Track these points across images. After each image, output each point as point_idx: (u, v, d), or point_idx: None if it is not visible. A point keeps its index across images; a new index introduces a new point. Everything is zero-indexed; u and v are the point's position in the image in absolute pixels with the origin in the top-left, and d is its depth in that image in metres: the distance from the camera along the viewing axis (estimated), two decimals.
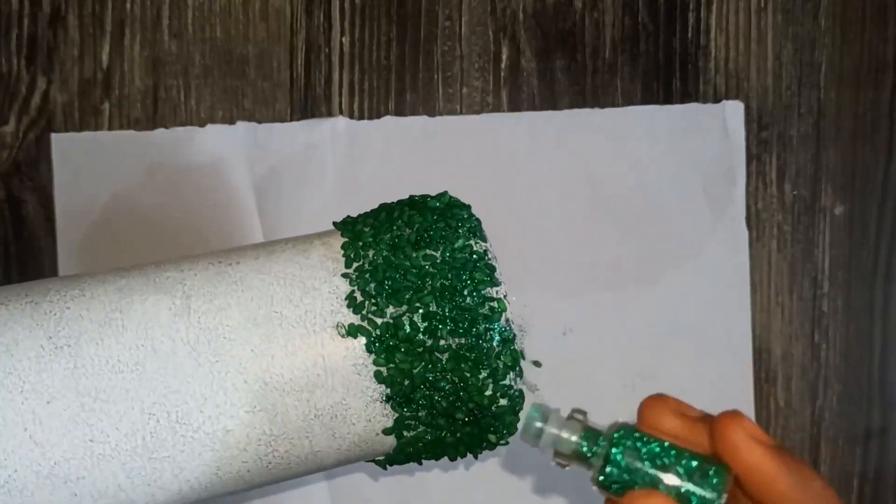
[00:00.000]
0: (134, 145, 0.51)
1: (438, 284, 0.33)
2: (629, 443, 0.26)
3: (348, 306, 0.33)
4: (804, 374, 0.53)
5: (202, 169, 0.51)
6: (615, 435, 0.27)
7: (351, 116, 0.52)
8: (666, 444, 0.26)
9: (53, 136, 0.50)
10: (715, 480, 0.25)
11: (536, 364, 0.50)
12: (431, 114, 0.52)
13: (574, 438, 0.27)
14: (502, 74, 0.53)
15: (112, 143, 0.51)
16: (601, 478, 0.27)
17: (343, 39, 0.52)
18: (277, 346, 0.32)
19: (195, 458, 0.32)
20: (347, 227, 0.36)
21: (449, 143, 0.52)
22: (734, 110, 0.53)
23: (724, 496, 0.25)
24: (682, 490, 0.25)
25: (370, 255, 0.34)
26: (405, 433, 0.34)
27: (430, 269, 0.33)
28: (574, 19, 0.53)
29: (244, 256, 0.35)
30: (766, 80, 0.53)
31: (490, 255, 0.35)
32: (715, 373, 0.53)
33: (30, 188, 0.50)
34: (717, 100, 0.53)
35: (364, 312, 0.33)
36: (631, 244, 0.52)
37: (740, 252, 0.53)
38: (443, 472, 0.51)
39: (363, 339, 0.33)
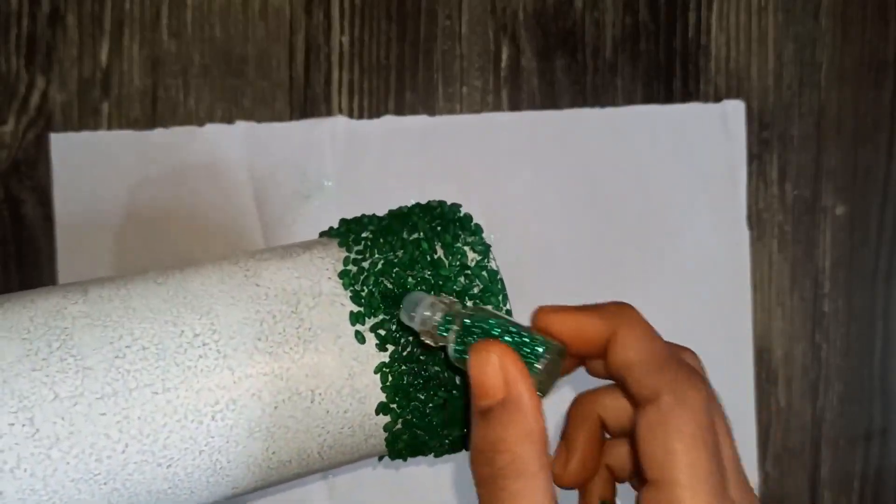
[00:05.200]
0: (133, 145, 0.51)
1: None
2: (477, 321, 0.30)
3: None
4: (805, 375, 0.53)
5: (201, 168, 0.51)
6: (468, 315, 0.31)
7: (350, 116, 0.52)
8: (505, 322, 0.30)
9: (52, 135, 0.50)
10: (541, 344, 0.30)
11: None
12: (431, 113, 0.52)
13: (437, 317, 0.31)
14: (502, 74, 0.52)
15: (111, 143, 0.51)
16: (454, 353, 0.31)
17: (342, 39, 0.52)
18: None
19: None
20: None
21: (449, 142, 0.52)
22: (735, 110, 0.53)
23: (546, 357, 0.30)
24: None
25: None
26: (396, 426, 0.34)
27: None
28: (574, 19, 0.53)
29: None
30: (766, 79, 0.53)
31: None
32: (715, 373, 0.53)
33: (29, 188, 0.50)
34: (717, 99, 0.53)
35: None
36: (631, 244, 0.52)
37: (741, 252, 0.53)
38: (442, 472, 0.51)
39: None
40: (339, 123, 0.51)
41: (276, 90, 0.52)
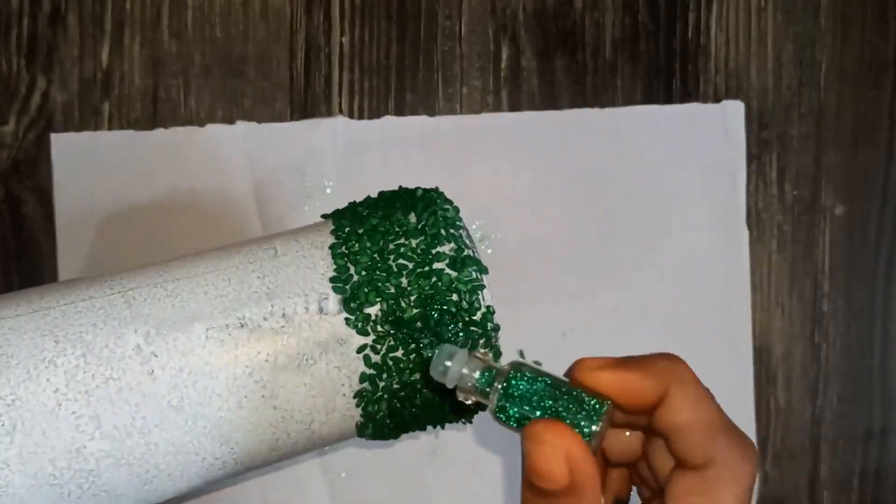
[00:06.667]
0: (134, 145, 0.51)
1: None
2: (521, 380, 0.30)
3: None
4: (804, 374, 0.53)
5: (202, 169, 0.51)
6: (510, 373, 0.30)
7: (351, 116, 0.52)
8: (549, 380, 0.29)
9: (53, 135, 0.50)
10: (591, 408, 0.29)
11: (536, 364, 0.50)
12: (431, 114, 0.52)
13: (475, 375, 0.30)
14: (502, 74, 0.53)
15: (112, 143, 0.51)
16: (497, 412, 0.30)
17: (343, 39, 0.52)
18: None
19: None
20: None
21: (449, 143, 0.52)
22: (734, 110, 0.53)
23: (601, 422, 0.28)
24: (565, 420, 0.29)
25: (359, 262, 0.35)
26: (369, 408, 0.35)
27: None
28: (574, 19, 0.53)
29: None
30: (766, 79, 0.53)
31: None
32: (715, 373, 0.52)
33: (29, 188, 0.50)
34: (717, 100, 0.53)
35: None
36: (631, 244, 0.52)
37: (740, 252, 0.53)
38: (443, 473, 0.51)
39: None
40: (339, 124, 0.52)
41: (276, 90, 0.52)
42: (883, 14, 0.54)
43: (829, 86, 0.54)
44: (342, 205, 0.51)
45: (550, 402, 0.29)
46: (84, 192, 0.50)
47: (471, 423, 0.39)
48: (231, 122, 0.51)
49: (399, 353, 0.34)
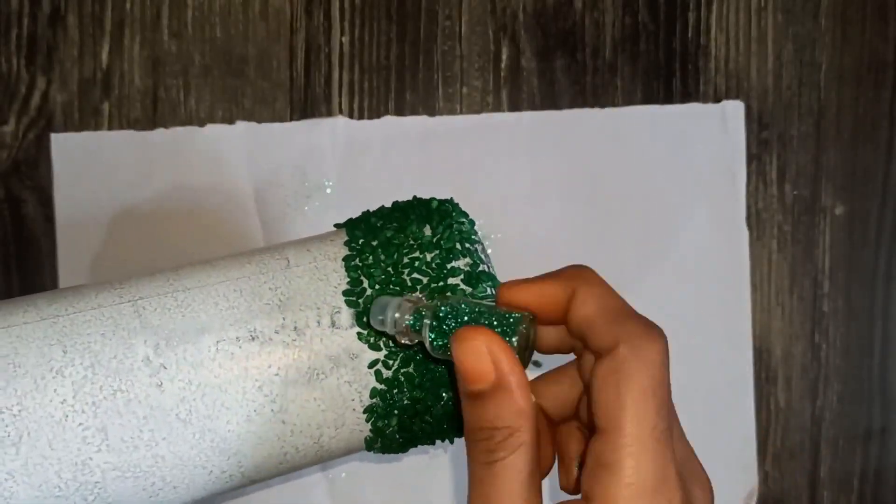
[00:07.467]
0: (134, 145, 0.51)
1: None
2: (448, 310, 0.31)
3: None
4: (804, 374, 0.53)
5: (202, 169, 0.51)
6: (437, 306, 0.31)
7: (351, 116, 0.52)
8: (473, 305, 0.31)
9: (53, 135, 0.50)
10: (511, 319, 0.30)
11: (537, 364, 0.50)
12: (431, 113, 0.52)
13: (408, 317, 0.32)
14: (502, 74, 0.53)
15: (112, 143, 0.51)
16: (432, 344, 0.31)
17: (343, 39, 0.52)
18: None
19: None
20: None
21: (449, 143, 0.52)
22: (734, 110, 0.53)
23: (519, 327, 0.30)
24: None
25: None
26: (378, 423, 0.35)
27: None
28: (574, 19, 0.53)
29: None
30: (766, 79, 0.53)
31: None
32: (715, 373, 0.53)
33: (29, 188, 0.50)
34: (717, 100, 0.53)
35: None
36: (631, 244, 0.52)
37: (740, 252, 0.53)
38: (443, 473, 0.51)
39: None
40: (339, 124, 0.52)
41: (276, 90, 0.52)
42: (883, 14, 0.54)
43: (829, 86, 0.54)
44: (342, 205, 0.51)
45: (475, 322, 0.31)
46: (84, 192, 0.50)
47: None
48: (231, 122, 0.51)
49: (411, 369, 0.34)
